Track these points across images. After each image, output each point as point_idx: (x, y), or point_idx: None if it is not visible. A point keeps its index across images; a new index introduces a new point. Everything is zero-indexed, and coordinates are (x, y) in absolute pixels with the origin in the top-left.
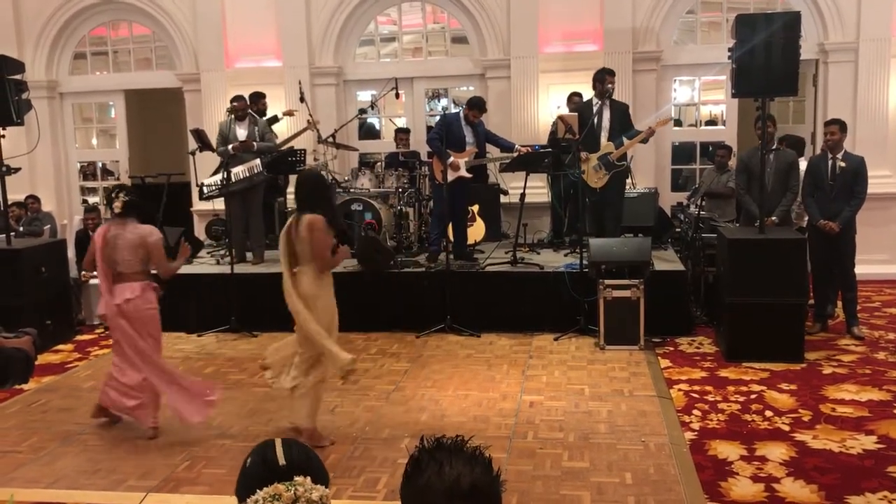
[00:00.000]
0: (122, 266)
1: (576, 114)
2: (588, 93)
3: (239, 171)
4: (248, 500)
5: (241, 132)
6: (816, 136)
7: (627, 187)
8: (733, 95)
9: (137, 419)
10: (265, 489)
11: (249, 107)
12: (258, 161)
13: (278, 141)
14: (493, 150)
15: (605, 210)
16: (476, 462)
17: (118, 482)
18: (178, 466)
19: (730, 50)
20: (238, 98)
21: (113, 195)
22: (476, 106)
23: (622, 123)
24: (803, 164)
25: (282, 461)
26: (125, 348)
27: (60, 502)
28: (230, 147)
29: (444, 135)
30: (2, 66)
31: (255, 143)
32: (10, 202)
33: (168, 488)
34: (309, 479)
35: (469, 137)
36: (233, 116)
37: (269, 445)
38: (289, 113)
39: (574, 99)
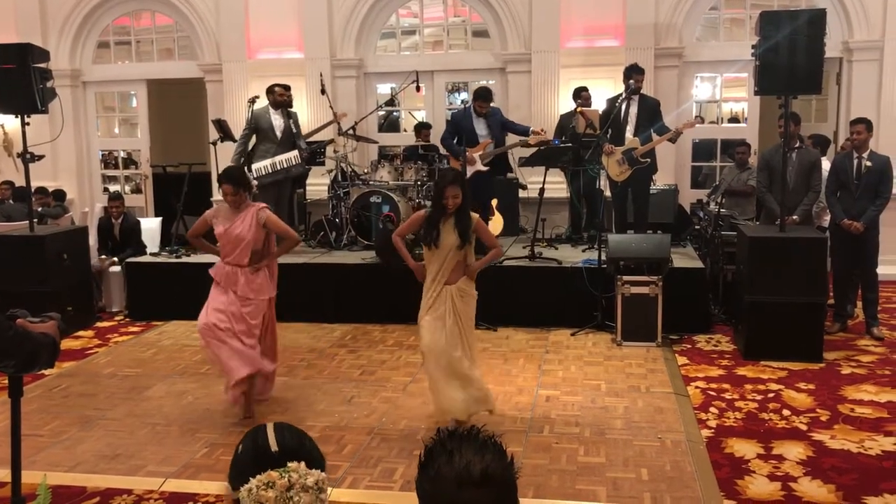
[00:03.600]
0: None
1: (596, 109)
2: (606, 89)
3: (269, 164)
4: (242, 489)
5: (278, 122)
6: (839, 135)
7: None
8: (756, 93)
9: None
10: (258, 476)
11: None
12: (295, 153)
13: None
14: (513, 138)
15: (630, 206)
16: (487, 449)
17: (137, 467)
18: (197, 453)
19: (753, 47)
20: (285, 86)
21: None
22: (481, 96)
23: (651, 120)
24: (826, 164)
25: (274, 447)
26: None
27: (81, 486)
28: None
29: (456, 132)
30: (27, 55)
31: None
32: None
33: (187, 474)
34: (303, 464)
35: (482, 130)
36: (269, 105)
37: (260, 430)
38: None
39: (582, 94)
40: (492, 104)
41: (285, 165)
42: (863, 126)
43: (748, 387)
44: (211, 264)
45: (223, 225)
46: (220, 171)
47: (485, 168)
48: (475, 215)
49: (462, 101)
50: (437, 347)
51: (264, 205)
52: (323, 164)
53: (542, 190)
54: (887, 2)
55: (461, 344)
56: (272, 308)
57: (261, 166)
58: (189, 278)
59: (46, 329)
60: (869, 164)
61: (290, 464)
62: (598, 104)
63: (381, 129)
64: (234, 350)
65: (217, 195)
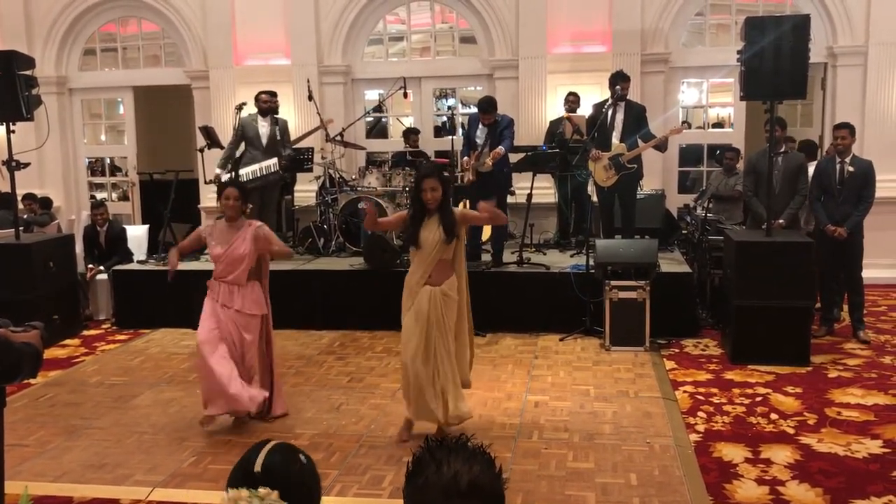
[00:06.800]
0: None
1: (583, 115)
2: (593, 95)
3: (250, 171)
4: (221, 497)
5: (264, 129)
6: (824, 140)
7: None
8: (742, 98)
9: None
10: (231, 491)
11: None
12: (274, 160)
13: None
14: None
15: (618, 211)
16: (475, 460)
17: (124, 477)
18: (185, 462)
19: (739, 52)
20: (271, 93)
21: None
22: (479, 108)
23: (638, 125)
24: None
25: (257, 467)
26: None
27: (67, 496)
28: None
29: (467, 136)
30: (12, 62)
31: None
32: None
33: (174, 483)
34: (276, 493)
35: (481, 138)
36: (257, 112)
37: (260, 445)
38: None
39: (570, 98)
40: (499, 113)
41: (263, 173)
42: (846, 131)
43: (736, 391)
44: (199, 272)
45: (221, 247)
46: (208, 178)
47: (472, 177)
48: (458, 209)
49: (448, 107)
50: (411, 363)
51: (260, 223)
52: (310, 170)
53: (529, 195)
54: (871, 8)
55: (440, 350)
56: (268, 326)
57: (244, 172)
58: (176, 286)
59: (29, 339)
60: (851, 168)
61: (261, 489)
62: (585, 110)
63: (369, 135)
64: (217, 382)
65: (204, 202)
